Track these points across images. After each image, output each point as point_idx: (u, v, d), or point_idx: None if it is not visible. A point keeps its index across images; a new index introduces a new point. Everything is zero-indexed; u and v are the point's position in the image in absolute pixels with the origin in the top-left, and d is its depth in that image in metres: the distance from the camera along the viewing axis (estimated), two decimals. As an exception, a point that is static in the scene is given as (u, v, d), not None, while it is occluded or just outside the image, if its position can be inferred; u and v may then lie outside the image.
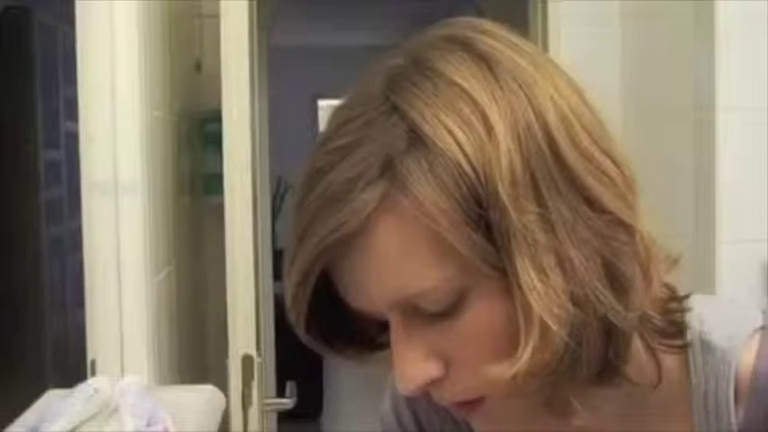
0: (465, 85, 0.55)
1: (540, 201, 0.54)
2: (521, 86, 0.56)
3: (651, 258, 0.57)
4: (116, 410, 1.27)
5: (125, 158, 1.42)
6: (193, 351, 2.05)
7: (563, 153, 0.55)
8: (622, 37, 1.98)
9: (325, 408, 4.95)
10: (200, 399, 1.46)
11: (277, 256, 3.67)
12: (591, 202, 0.55)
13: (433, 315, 0.56)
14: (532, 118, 0.55)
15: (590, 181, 0.55)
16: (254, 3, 1.72)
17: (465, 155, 0.53)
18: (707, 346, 0.62)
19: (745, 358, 0.61)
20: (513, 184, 0.53)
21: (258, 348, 1.60)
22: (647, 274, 0.56)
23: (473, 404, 0.59)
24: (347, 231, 0.54)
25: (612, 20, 2.01)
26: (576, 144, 0.56)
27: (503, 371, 0.54)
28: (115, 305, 1.41)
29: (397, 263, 0.55)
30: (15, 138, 1.70)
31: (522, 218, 0.53)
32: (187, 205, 2.05)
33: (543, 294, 0.53)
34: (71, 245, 1.63)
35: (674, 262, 0.61)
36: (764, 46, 1.47)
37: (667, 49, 1.72)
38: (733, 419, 0.60)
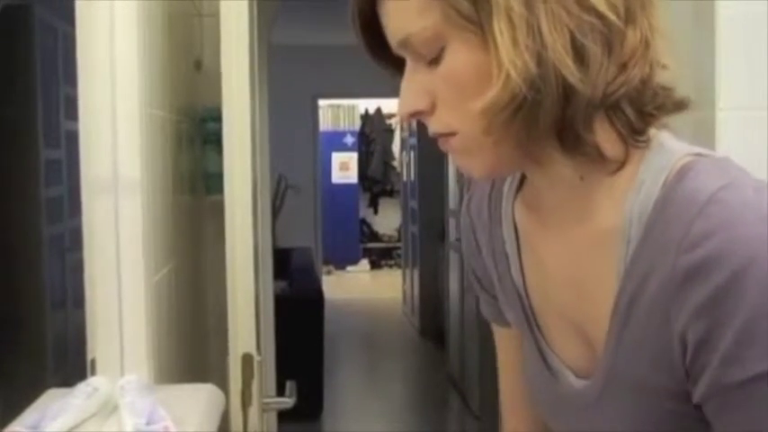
0: None
1: None
2: None
3: (636, 56, 0.69)
4: (116, 409, 1.27)
5: (125, 157, 1.42)
6: (193, 350, 2.05)
7: None
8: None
9: (325, 407, 4.95)
10: (200, 397, 1.46)
11: (277, 255, 3.66)
12: None
13: (429, 63, 0.72)
14: None
15: None
16: (255, 2, 1.72)
17: None
18: (662, 147, 0.73)
19: (687, 158, 0.71)
20: None
21: (258, 347, 1.60)
22: (622, 65, 0.69)
23: (448, 137, 0.74)
24: None
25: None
26: None
27: (475, 105, 0.69)
28: (115, 304, 1.42)
29: (397, 10, 0.72)
30: (15, 136, 1.70)
31: None
32: (187, 204, 2.05)
33: (511, 48, 0.66)
34: (71, 243, 1.63)
35: (682, 103, 0.74)
36: (764, 46, 1.47)
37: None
38: (653, 198, 0.71)
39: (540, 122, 0.68)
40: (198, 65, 2.20)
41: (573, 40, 0.67)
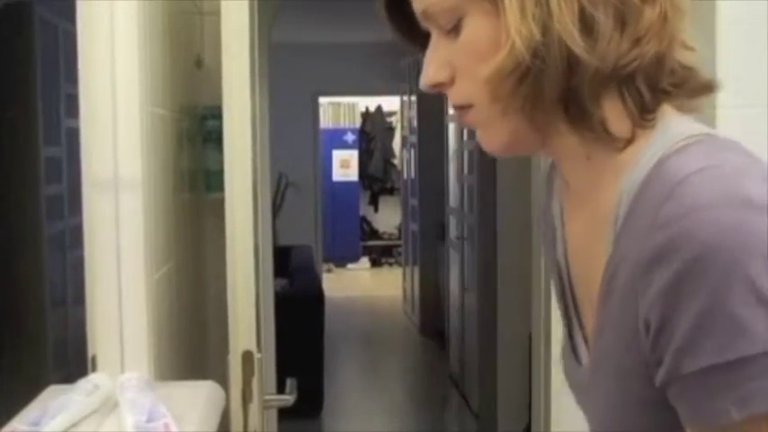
0: None
1: None
2: None
3: (651, 31, 0.70)
4: (116, 406, 1.27)
5: (125, 155, 1.42)
6: (194, 347, 2.06)
7: None
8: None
9: (325, 405, 4.95)
10: (201, 394, 1.46)
11: (277, 252, 3.66)
12: None
13: (448, 33, 0.75)
14: None
15: None
16: (255, 0, 1.73)
17: None
18: (667, 128, 0.73)
19: (688, 140, 0.71)
20: None
21: (258, 345, 1.60)
22: (636, 39, 0.69)
23: (465, 110, 0.76)
24: None
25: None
26: None
27: (481, 72, 0.71)
28: (115, 301, 1.42)
29: None
30: (16, 134, 1.70)
31: None
32: (187, 202, 2.05)
33: (518, 16, 0.68)
34: (72, 241, 1.63)
35: (707, 85, 0.77)
36: (764, 46, 1.48)
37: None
38: (641, 178, 0.70)
39: (546, 92, 0.69)
40: (198, 63, 2.20)
41: (582, 11, 0.68)
